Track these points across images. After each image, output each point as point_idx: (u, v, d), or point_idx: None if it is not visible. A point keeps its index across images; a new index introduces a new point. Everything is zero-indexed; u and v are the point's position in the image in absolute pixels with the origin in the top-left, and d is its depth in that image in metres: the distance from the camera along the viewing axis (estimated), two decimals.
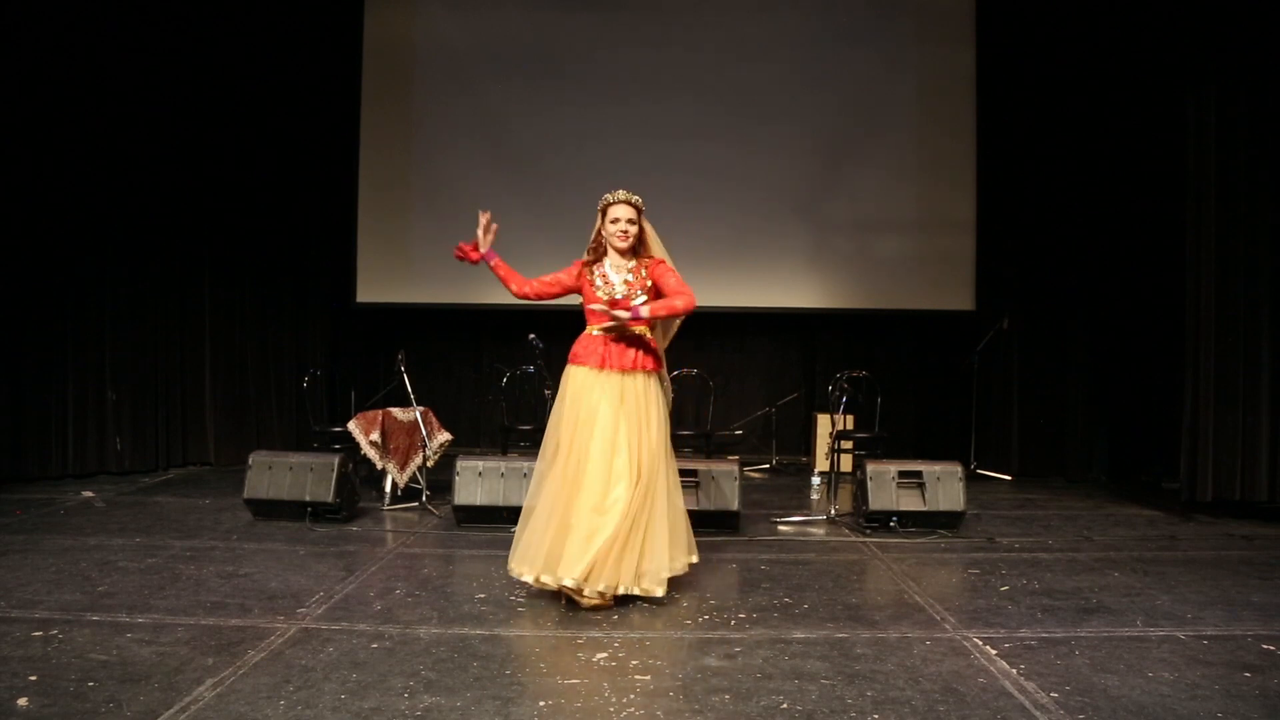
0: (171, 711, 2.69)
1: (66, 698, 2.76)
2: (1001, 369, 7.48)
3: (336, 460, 5.33)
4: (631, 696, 2.87)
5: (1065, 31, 7.17)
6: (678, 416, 7.23)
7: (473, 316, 8.12)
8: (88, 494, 6.07)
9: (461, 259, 4.07)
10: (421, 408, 5.88)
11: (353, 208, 7.86)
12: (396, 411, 5.96)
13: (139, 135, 6.83)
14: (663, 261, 4.00)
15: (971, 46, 7.73)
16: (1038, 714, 2.76)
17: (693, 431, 7.05)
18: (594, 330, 3.96)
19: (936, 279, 7.85)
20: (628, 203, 3.93)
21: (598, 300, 3.90)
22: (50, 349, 6.56)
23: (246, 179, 7.28)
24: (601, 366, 3.87)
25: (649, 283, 3.96)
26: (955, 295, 7.83)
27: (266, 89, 7.31)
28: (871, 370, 6.99)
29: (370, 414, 5.86)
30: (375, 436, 5.74)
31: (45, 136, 6.40)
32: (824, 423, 7.19)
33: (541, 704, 2.80)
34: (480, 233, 4.02)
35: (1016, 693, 2.92)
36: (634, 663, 3.16)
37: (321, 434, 6.36)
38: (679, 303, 3.88)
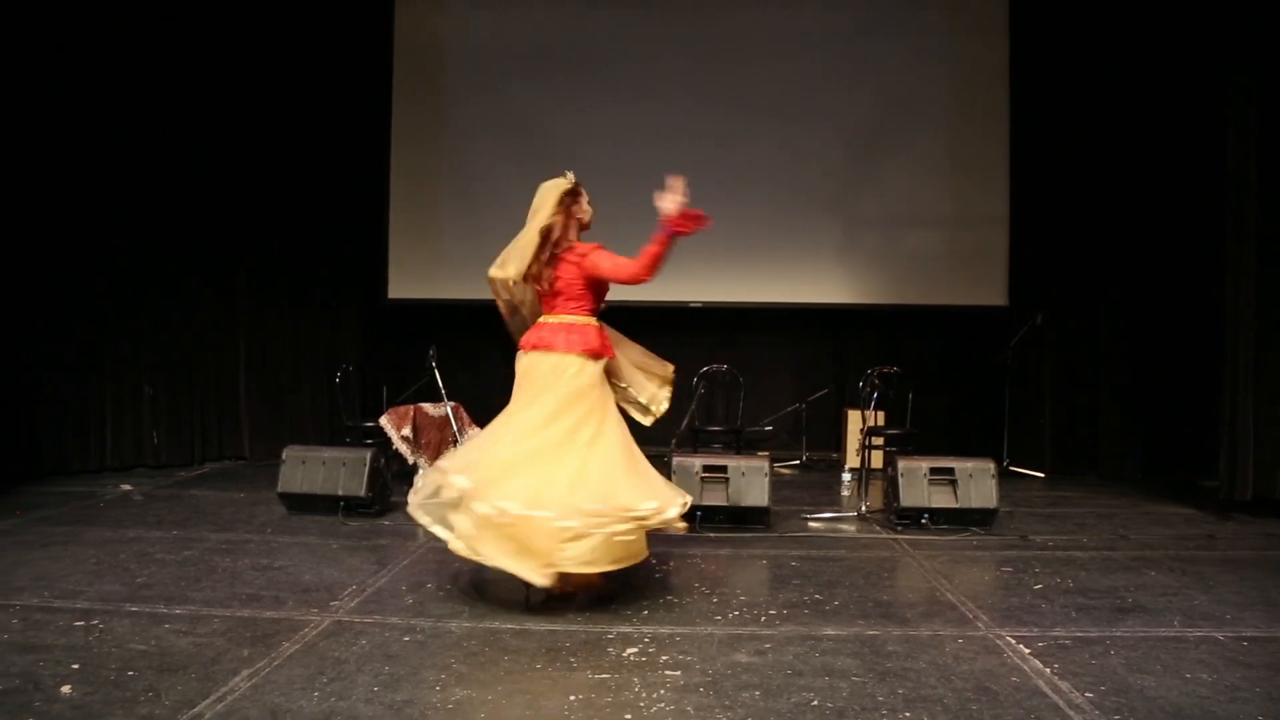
0: (208, 701, 2.73)
1: (108, 686, 2.81)
2: (1035, 365, 7.38)
3: (369, 455, 5.37)
4: (661, 692, 2.87)
5: (1099, 21, 7.04)
6: (708, 412, 7.21)
7: None
8: (126, 487, 6.19)
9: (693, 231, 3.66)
10: (452, 403, 5.92)
11: (384, 204, 7.92)
12: (428, 407, 6.01)
13: (174, 133, 6.92)
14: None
15: (1004, 37, 7.63)
16: (1072, 714, 2.73)
17: (722, 428, 7.01)
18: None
19: (969, 274, 7.77)
20: None
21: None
22: (90, 344, 6.69)
23: (281, 175, 7.36)
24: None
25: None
26: (988, 291, 7.75)
27: (300, 87, 7.38)
28: (902, 366, 6.93)
29: (402, 409, 5.91)
30: (407, 431, 5.79)
31: (83, 136, 6.51)
32: (855, 419, 7.14)
33: (572, 698, 2.81)
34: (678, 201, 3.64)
35: (1050, 692, 2.89)
36: (664, 658, 3.17)
37: (354, 429, 6.42)
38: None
